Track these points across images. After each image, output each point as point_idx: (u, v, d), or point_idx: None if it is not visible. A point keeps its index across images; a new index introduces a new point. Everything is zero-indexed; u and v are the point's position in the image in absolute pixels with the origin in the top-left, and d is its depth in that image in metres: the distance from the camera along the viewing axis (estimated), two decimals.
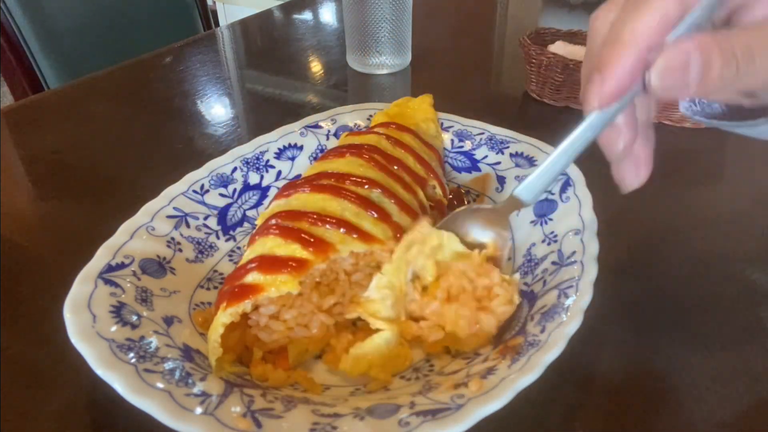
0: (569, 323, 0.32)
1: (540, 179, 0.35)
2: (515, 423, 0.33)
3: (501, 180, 0.50)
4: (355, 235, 0.38)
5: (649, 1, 0.27)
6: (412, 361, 0.38)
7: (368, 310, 0.37)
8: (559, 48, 0.73)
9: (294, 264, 0.36)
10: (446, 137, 0.54)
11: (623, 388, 0.37)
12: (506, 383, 0.29)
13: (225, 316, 0.34)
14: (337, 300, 0.39)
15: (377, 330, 0.37)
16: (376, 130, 0.50)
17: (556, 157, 0.33)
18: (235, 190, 0.48)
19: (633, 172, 0.31)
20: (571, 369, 0.36)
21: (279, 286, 0.35)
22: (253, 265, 0.36)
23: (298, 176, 0.48)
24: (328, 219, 0.38)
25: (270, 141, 0.51)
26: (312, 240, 0.37)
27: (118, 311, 0.34)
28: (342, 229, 0.38)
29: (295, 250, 0.37)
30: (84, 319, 0.32)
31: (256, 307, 0.37)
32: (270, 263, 0.36)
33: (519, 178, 0.49)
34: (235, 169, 0.49)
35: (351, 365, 0.36)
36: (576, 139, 0.31)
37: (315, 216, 0.39)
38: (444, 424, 0.27)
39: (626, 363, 0.38)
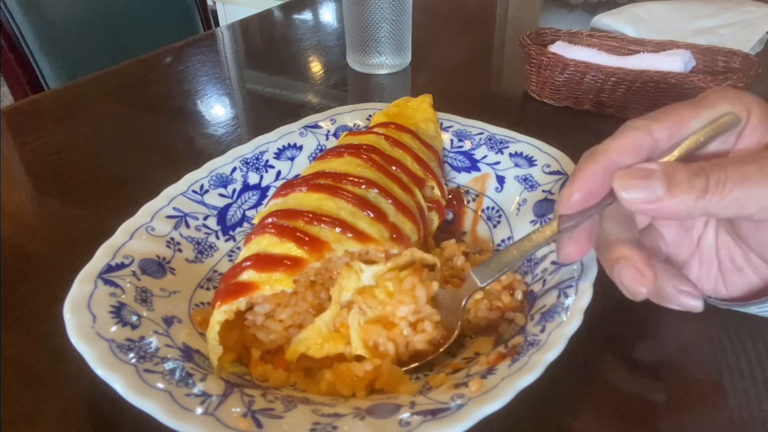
0: (569, 323, 0.32)
1: (495, 265, 0.35)
2: (515, 423, 0.33)
3: (500, 180, 0.50)
4: (350, 235, 0.38)
5: (623, 132, 0.29)
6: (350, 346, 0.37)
7: (339, 288, 0.38)
8: (559, 48, 0.73)
9: (289, 262, 0.36)
10: (446, 137, 0.54)
11: (623, 387, 0.37)
12: (506, 383, 0.29)
13: (219, 313, 0.35)
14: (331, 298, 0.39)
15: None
16: (375, 130, 0.50)
17: (512, 248, 0.35)
18: (234, 190, 0.48)
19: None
20: (571, 368, 0.36)
21: (273, 284, 0.35)
22: (248, 263, 0.36)
23: (298, 176, 0.48)
24: (324, 218, 0.38)
25: (269, 141, 0.51)
26: (307, 239, 0.37)
27: (118, 311, 0.34)
28: (337, 229, 0.38)
29: (290, 248, 0.37)
30: (84, 319, 0.32)
31: (251, 306, 0.37)
32: (265, 261, 0.36)
33: (518, 178, 0.49)
34: (234, 169, 0.49)
35: (291, 350, 0.36)
36: (536, 236, 0.33)
37: (311, 215, 0.39)
38: (444, 424, 0.27)
39: (626, 362, 0.38)
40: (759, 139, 0.29)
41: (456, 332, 0.37)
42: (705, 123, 0.29)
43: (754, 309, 0.33)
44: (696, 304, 0.32)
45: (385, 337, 0.36)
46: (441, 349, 0.36)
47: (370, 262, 0.40)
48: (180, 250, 0.42)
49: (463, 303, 0.37)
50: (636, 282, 0.30)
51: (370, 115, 0.56)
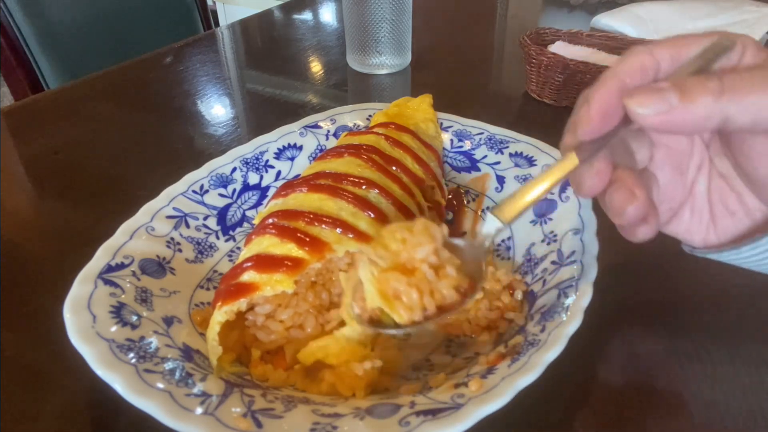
0: (569, 323, 0.32)
1: (517, 201, 0.32)
2: (515, 423, 0.33)
3: (500, 180, 0.50)
4: (351, 235, 0.38)
5: (628, 56, 0.29)
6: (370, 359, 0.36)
7: (347, 306, 0.38)
8: (559, 48, 0.73)
9: (289, 263, 0.36)
10: (446, 137, 0.54)
11: (623, 387, 0.37)
12: (506, 383, 0.29)
13: (220, 314, 0.35)
14: (332, 300, 0.39)
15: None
16: (375, 130, 0.50)
17: (531, 184, 0.31)
18: (234, 190, 0.48)
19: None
20: (571, 369, 0.36)
21: (274, 285, 0.35)
22: (249, 264, 0.36)
23: (298, 176, 0.48)
24: (325, 218, 0.38)
25: (269, 141, 0.51)
26: (308, 239, 0.37)
27: (118, 311, 0.34)
28: (338, 229, 0.38)
29: (290, 249, 0.37)
30: (84, 319, 0.32)
31: (252, 307, 0.37)
32: (265, 262, 0.36)
33: (518, 178, 0.49)
34: (234, 169, 0.49)
35: (307, 354, 0.36)
36: (555, 171, 0.31)
37: (311, 215, 0.39)
38: (444, 424, 0.27)
39: (626, 362, 0.38)
40: (761, 60, 0.29)
41: (484, 279, 0.34)
42: (704, 47, 0.29)
43: (726, 256, 0.33)
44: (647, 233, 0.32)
45: (405, 283, 0.32)
46: (470, 299, 0.33)
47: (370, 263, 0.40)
48: (180, 250, 0.42)
49: (487, 244, 0.33)
50: (625, 200, 0.30)
51: (370, 115, 0.56)
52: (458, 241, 0.35)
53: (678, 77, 0.27)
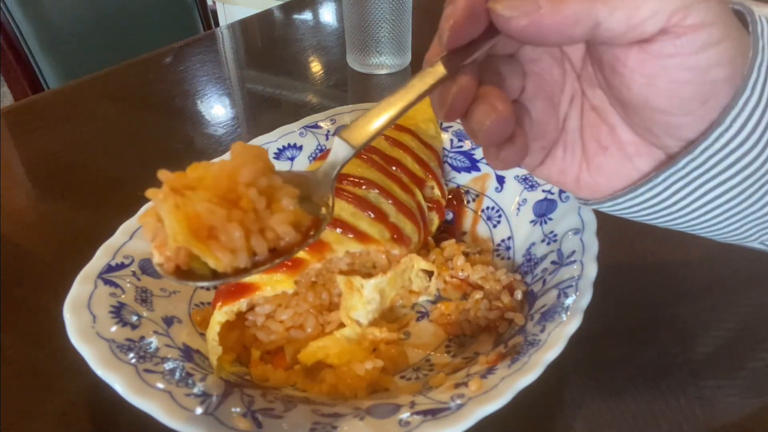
0: (569, 323, 0.32)
1: (369, 122, 0.27)
2: (515, 423, 0.33)
3: (500, 180, 0.50)
4: (351, 235, 0.38)
5: None
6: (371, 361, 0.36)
7: (346, 309, 0.38)
8: None
9: (290, 263, 0.36)
10: (445, 137, 0.54)
11: (623, 387, 0.37)
12: (506, 383, 0.29)
13: (220, 314, 0.35)
14: (332, 300, 0.39)
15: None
16: None
17: (390, 100, 0.26)
18: None
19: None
20: (571, 369, 0.36)
21: (274, 285, 0.35)
22: None
23: None
24: None
25: (269, 141, 0.51)
26: None
27: (118, 311, 0.34)
28: (338, 229, 0.38)
29: None
30: (84, 319, 0.32)
31: (252, 307, 0.37)
32: None
33: (518, 178, 0.49)
34: None
35: (308, 354, 0.36)
36: (417, 84, 0.26)
37: None
38: (444, 424, 0.27)
39: (626, 362, 0.38)
40: None
41: (331, 214, 0.28)
42: None
43: (608, 207, 0.31)
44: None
45: (224, 217, 0.24)
46: (313, 238, 0.27)
47: (370, 263, 0.40)
48: None
49: (334, 174, 0.28)
50: (485, 114, 0.26)
51: None
52: (296, 172, 0.29)
53: None
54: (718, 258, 0.47)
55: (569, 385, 0.36)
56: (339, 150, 0.27)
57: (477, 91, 0.27)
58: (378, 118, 0.26)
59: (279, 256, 0.26)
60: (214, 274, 0.25)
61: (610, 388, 0.37)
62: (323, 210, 0.28)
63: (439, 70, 0.26)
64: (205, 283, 0.27)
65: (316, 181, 0.28)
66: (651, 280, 0.45)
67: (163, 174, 0.26)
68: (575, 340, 0.31)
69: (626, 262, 0.47)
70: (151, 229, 0.25)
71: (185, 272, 0.25)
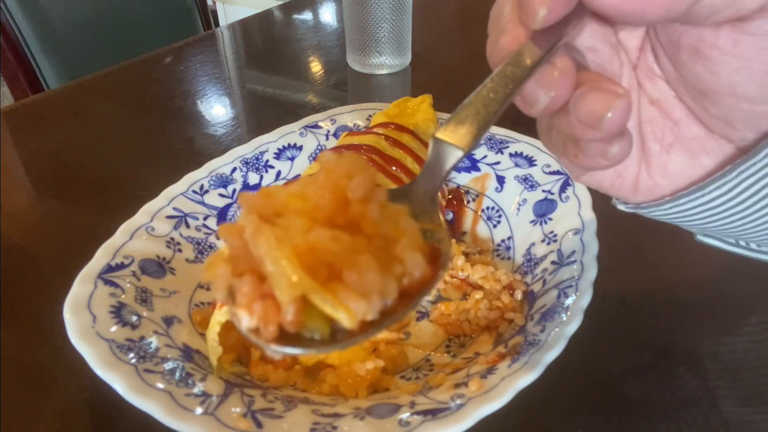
0: (569, 323, 0.32)
1: (470, 119, 0.22)
2: (515, 423, 0.33)
3: (500, 180, 0.50)
4: None
5: None
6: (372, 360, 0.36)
7: None
8: None
9: None
10: None
11: (623, 387, 0.37)
12: (506, 383, 0.29)
13: (220, 314, 0.35)
14: None
15: None
16: (375, 130, 0.50)
17: (484, 92, 0.22)
18: (234, 190, 0.48)
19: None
20: (571, 369, 0.36)
21: None
22: None
23: (298, 176, 0.48)
24: None
25: (269, 141, 0.51)
26: None
27: (118, 311, 0.34)
28: None
29: None
30: (84, 319, 0.32)
31: None
32: None
33: (518, 178, 0.49)
34: (234, 169, 0.49)
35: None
36: (512, 70, 0.22)
37: None
38: (444, 424, 0.27)
39: (626, 362, 0.38)
40: None
41: (448, 246, 0.21)
42: None
43: (662, 209, 0.27)
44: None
45: (350, 249, 0.18)
46: (443, 271, 0.21)
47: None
48: (180, 250, 0.42)
49: (440, 185, 0.22)
50: (607, 100, 0.22)
51: (370, 116, 0.56)
52: (397, 191, 0.23)
53: None
54: (719, 257, 0.47)
55: (569, 385, 0.36)
56: (443, 155, 0.21)
57: (575, 74, 0.23)
58: (479, 110, 0.21)
59: (410, 300, 0.19)
60: (331, 336, 0.18)
61: (610, 389, 0.37)
62: (438, 234, 0.21)
63: (535, 51, 0.21)
64: (320, 351, 0.19)
65: (417, 195, 0.22)
66: (651, 280, 0.45)
67: (244, 198, 0.19)
68: (575, 340, 0.31)
69: (626, 262, 0.47)
70: (224, 283, 0.19)
71: (293, 337, 0.18)
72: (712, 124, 0.25)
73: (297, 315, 0.17)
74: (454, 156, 0.21)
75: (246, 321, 0.18)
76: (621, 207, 0.30)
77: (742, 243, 0.29)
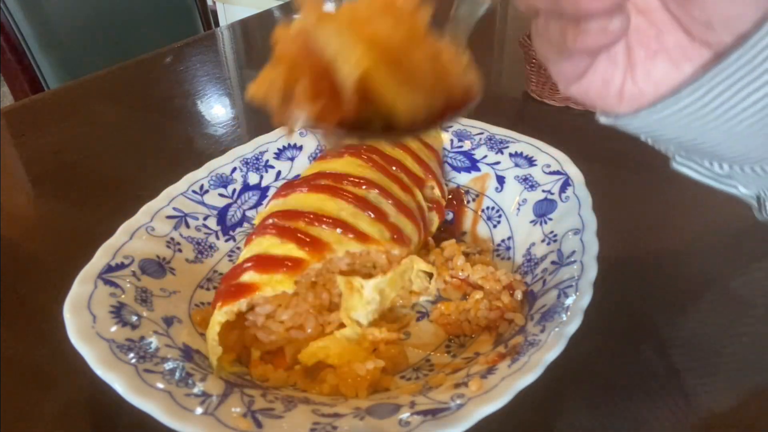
0: (569, 323, 0.32)
1: None
2: (515, 423, 0.33)
3: (500, 180, 0.50)
4: (351, 235, 0.38)
5: None
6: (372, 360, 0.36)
7: (346, 309, 0.38)
8: None
9: (290, 263, 0.36)
10: (445, 137, 0.54)
11: (624, 387, 0.37)
12: (506, 383, 0.29)
13: (220, 314, 0.35)
14: (332, 300, 0.39)
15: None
16: None
17: None
18: (234, 190, 0.48)
19: None
20: (572, 369, 0.36)
21: (275, 285, 0.35)
22: (249, 264, 0.37)
23: (298, 176, 0.48)
24: (325, 219, 0.38)
25: (269, 141, 0.51)
26: (308, 240, 0.37)
27: (118, 311, 0.34)
28: (338, 229, 0.38)
29: (291, 249, 0.37)
30: (84, 319, 0.32)
31: (252, 307, 0.37)
32: (266, 262, 0.36)
33: (518, 178, 0.49)
34: (234, 169, 0.49)
35: (309, 355, 0.36)
36: None
37: (311, 216, 0.39)
38: (444, 424, 0.27)
39: (626, 362, 0.38)
40: None
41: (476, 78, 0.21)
42: None
43: (640, 117, 0.28)
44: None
45: (407, 39, 0.19)
46: (474, 101, 0.22)
47: (370, 263, 0.40)
48: (180, 250, 0.42)
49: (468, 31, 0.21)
50: None
51: None
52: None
53: None
54: (718, 257, 0.47)
55: (569, 385, 0.36)
56: (473, 5, 0.21)
57: None
58: None
59: (450, 113, 0.19)
60: (386, 123, 0.18)
61: (610, 388, 0.37)
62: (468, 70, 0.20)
63: None
64: (374, 138, 0.19)
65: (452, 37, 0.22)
66: (651, 280, 0.45)
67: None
68: (575, 340, 0.31)
69: (626, 262, 0.47)
70: (279, 84, 0.18)
71: (352, 125, 0.18)
72: (694, 29, 0.26)
73: (357, 97, 0.17)
74: (483, 6, 0.22)
75: (301, 110, 0.18)
76: (603, 120, 0.31)
77: (716, 167, 0.30)
